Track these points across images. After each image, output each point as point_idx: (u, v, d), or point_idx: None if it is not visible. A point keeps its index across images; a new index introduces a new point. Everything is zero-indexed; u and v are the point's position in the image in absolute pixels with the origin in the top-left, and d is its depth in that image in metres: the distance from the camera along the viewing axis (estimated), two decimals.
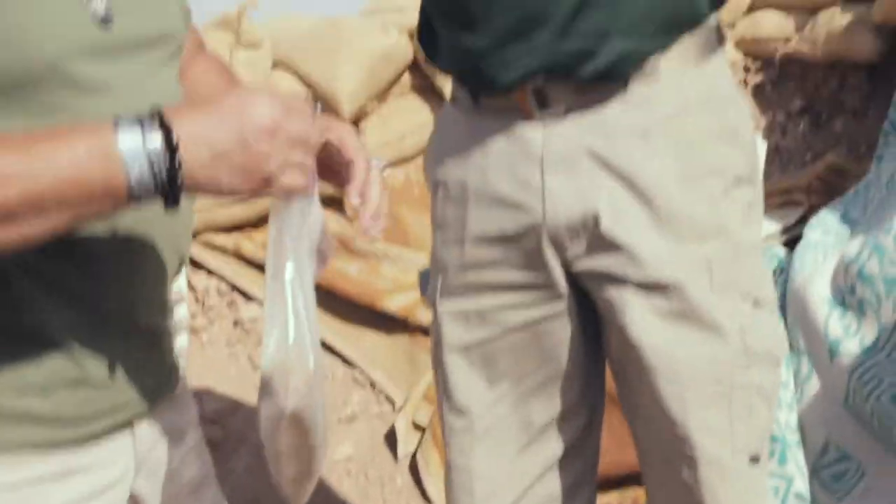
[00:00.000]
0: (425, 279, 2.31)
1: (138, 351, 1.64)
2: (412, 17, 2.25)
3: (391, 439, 3.86)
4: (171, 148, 1.34)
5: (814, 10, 4.52)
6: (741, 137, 2.09)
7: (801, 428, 3.11)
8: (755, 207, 2.14)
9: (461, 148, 2.14)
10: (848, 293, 3.11)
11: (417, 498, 3.71)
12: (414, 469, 3.75)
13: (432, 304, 2.27)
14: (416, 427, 3.82)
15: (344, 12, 3.47)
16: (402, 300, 4.01)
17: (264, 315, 1.54)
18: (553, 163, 2.02)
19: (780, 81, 4.76)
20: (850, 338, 3.05)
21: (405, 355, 4.05)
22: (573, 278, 2.10)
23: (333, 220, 4.27)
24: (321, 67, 4.23)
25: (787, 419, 3.10)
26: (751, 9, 4.82)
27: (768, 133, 4.65)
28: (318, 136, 1.50)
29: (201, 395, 3.86)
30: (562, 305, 2.13)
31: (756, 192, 2.14)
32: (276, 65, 4.26)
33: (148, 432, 1.69)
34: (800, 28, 4.57)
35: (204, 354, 3.93)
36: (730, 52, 4.74)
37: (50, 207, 1.34)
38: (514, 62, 1.98)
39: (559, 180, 2.02)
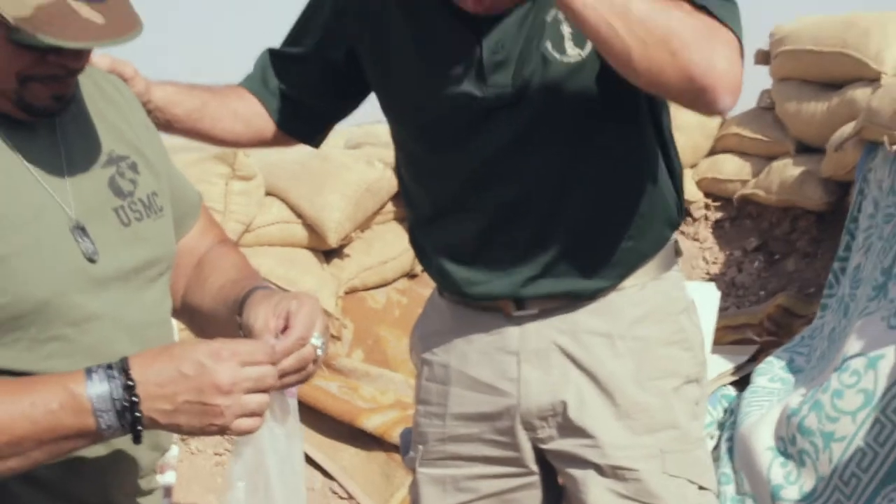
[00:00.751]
0: (406, 441, 2.43)
1: None
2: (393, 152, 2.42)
3: None
4: (133, 399, 1.46)
5: (769, 158, 4.63)
6: (691, 342, 2.27)
7: None
8: (701, 403, 2.30)
9: (446, 334, 2.30)
10: (789, 443, 3.27)
11: None
12: None
13: (412, 468, 2.38)
14: None
15: (330, 144, 3.60)
16: (378, 420, 4.02)
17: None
18: (528, 356, 2.19)
19: (737, 219, 4.84)
20: (791, 485, 3.21)
21: (380, 470, 4.05)
22: (541, 455, 2.24)
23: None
24: (310, 197, 4.22)
25: None
26: (712, 152, 4.92)
27: (725, 267, 4.72)
28: (272, 376, 1.54)
29: (191, 501, 3.84)
30: (530, 479, 2.26)
31: (702, 391, 2.31)
32: (268, 193, 4.26)
33: None
34: (756, 173, 4.67)
35: (192, 463, 3.93)
36: (691, 192, 4.81)
37: (30, 448, 1.46)
38: (493, 293, 2.19)
39: (533, 371, 2.19)
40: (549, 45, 2.05)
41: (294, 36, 2.36)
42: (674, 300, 2.27)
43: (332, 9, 2.27)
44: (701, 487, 2.24)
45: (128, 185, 1.71)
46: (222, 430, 1.50)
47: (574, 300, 2.19)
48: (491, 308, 2.23)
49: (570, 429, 2.20)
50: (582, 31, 1.90)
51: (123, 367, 1.46)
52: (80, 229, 1.62)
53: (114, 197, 1.68)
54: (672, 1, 1.88)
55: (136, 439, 1.47)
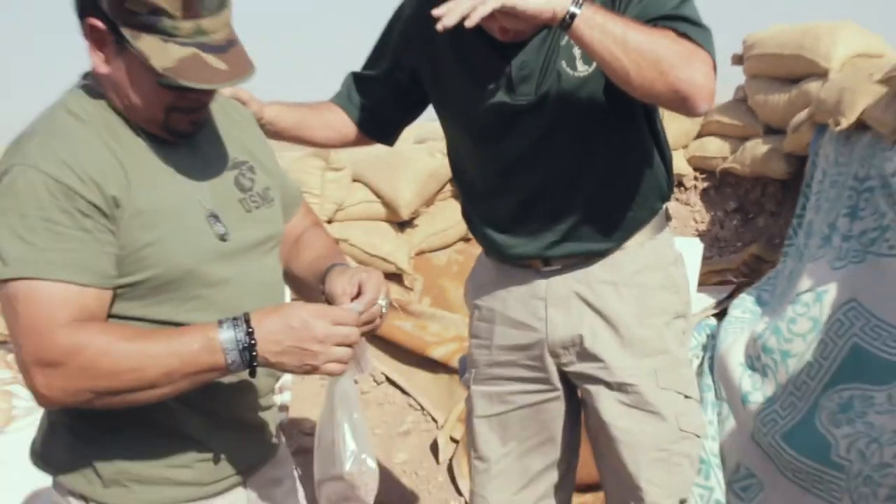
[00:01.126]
0: (463, 366, 2.49)
1: (246, 437, 1.79)
2: None
3: (435, 448, 3.94)
4: (251, 342, 1.54)
5: (743, 139, 4.60)
6: (679, 287, 2.35)
7: (721, 454, 3.26)
8: (686, 333, 2.38)
9: (491, 285, 2.38)
10: (755, 360, 3.30)
11: (452, 492, 3.79)
12: (450, 470, 3.84)
13: (468, 386, 2.49)
14: (453, 440, 3.90)
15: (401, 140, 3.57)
16: (443, 350, 4.04)
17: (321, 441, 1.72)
18: (553, 301, 2.28)
19: (720, 189, 4.80)
20: (756, 392, 3.24)
21: (445, 388, 4.08)
22: (564, 376, 2.34)
23: (395, 290, 4.23)
24: (386, 182, 4.26)
25: (711, 447, 3.24)
26: (699, 135, 4.88)
27: (710, 226, 4.70)
28: (356, 333, 1.61)
29: (301, 414, 3.89)
30: (556, 393, 2.36)
31: (687, 323, 2.38)
32: (355, 179, 4.30)
33: (255, 485, 1.82)
34: (733, 151, 4.64)
35: (303, 385, 3.97)
36: (683, 167, 4.81)
37: (178, 379, 1.53)
38: (525, 253, 2.26)
39: (557, 313, 2.27)
40: (563, 63, 2.08)
41: (370, 61, 2.39)
42: (665, 255, 2.33)
43: (398, 41, 2.32)
44: (686, 397, 2.32)
45: (248, 183, 1.77)
46: (314, 370, 1.58)
47: (588, 258, 2.24)
48: (524, 265, 2.30)
49: (585, 355, 2.28)
50: (590, 57, 1.93)
51: (245, 319, 1.54)
52: (214, 217, 1.67)
53: (238, 192, 1.74)
54: (660, 30, 1.89)
55: (252, 373, 1.57)
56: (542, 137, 2.15)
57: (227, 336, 1.53)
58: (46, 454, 1.74)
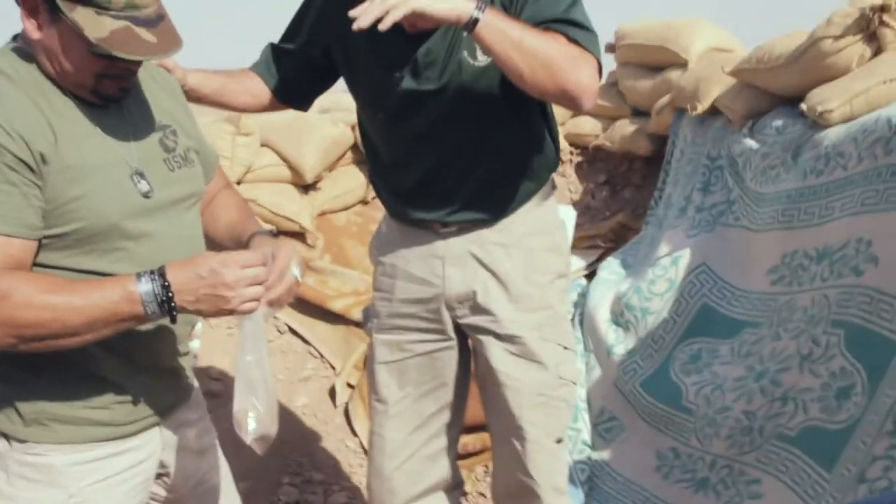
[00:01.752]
0: (366, 316, 2.49)
1: (163, 381, 1.78)
2: (353, 116, 2.42)
3: (332, 393, 3.90)
4: (168, 294, 1.53)
5: (614, 119, 4.64)
6: (562, 249, 2.38)
7: (587, 399, 3.34)
8: (567, 291, 2.40)
9: (394, 243, 2.37)
10: (619, 316, 3.38)
11: (348, 432, 3.77)
12: (346, 413, 3.83)
13: (369, 334, 2.48)
14: (349, 386, 3.88)
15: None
16: (341, 303, 4.03)
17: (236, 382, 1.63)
18: (450, 259, 2.28)
19: (592, 163, 4.83)
20: (619, 344, 3.33)
21: (343, 338, 4.05)
22: (458, 327, 2.35)
23: (299, 248, 4.18)
24: (292, 148, 4.22)
25: (579, 393, 3.29)
26: (574, 115, 4.88)
27: (583, 196, 4.72)
28: (266, 273, 1.57)
29: (210, 361, 3.82)
30: (449, 343, 2.37)
31: (567, 282, 2.40)
32: (263, 144, 4.24)
33: (170, 426, 1.82)
34: (605, 129, 4.69)
35: (212, 334, 3.91)
36: (561, 143, 4.64)
37: (99, 327, 1.52)
38: (426, 219, 2.25)
39: (453, 270, 2.28)
40: (465, 53, 2.07)
41: (287, 34, 2.35)
42: (550, 221, 2.35)
43: (315, 19, 2.28)
44: (565, 348, 2.36)
45: (172, 144, 1.75)
46: (231, 313, 1.56)
47: (482, 223, 2.24)
48: (425, 227, 2.29)
49: (478, 309, 2.29)
50: (489, 56, 1.94)
51: (161, 272, 1.52)
52: (139, 174, 1.65)
53: (163, 152, 1.73)
54: (552, 34, 1.90)
55: (173, 320, 1.54)
56: (443, 119, 2.14)
57: (146, 289, 1.51)
58: None
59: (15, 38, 1.63)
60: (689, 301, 3.17)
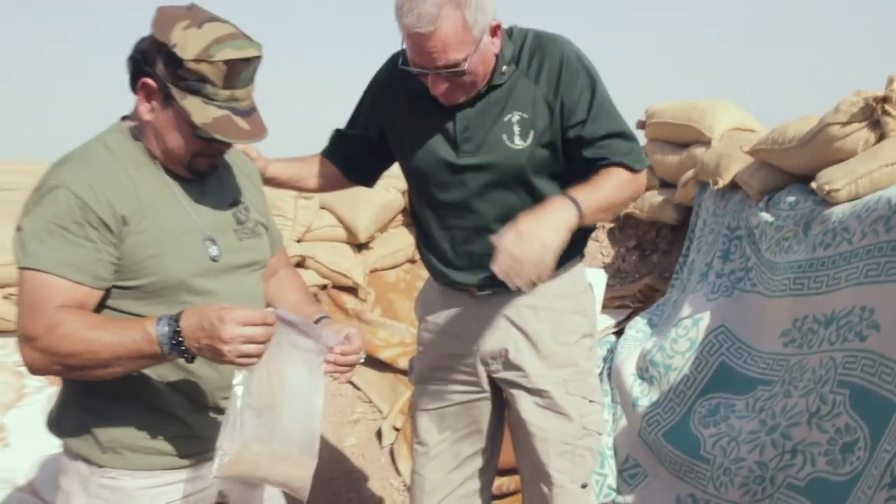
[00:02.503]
0: (411, 366, 2.55)
1: (219, 418, 1.76)
2: (404, 182, 2.48)
3: (379, 435, 3.94)
4: (179, 338, 1.57)
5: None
6: (587, 311, 2.41)
7: (614, 447, 3.36)
8: (593, 349, 2.43)
9: (436, 304, 2.43)
10: (644, 371, 3.41)
11: (393, 472, 3.80)
12: (392, 454, 3.86)
13: (414, 383, 2.55)
14: (395, 429, 3.92)
15: None
16: (389, 353, 4.08)
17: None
18: (484, 320, 2.33)
19: (623, 229, 4.81)
20: (644, 397, 3.35)
21: (390, 385, 4.10)
22: (492, 380, 2.39)
23: (351, 301, 4.23)
24: (348, 211, 4.28)
25: (606, 442, 3.33)
26: None
27: (614, 259, 4.70)
28: (263, 331, 1.58)
29: None
30: (484, 394, 2.42)
31: (594, 341, 2.43)
32: (322, 207, 4.27)
33: None
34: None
35: None
36: None
37: (125, 362, 1.60)
38: (462, 280, 2.31)
39: (488, 330, 2.34)
40: (504, 136, 2.15)
41: (350, 122, 2.44)
42: (577, 285, 2.39)
43: (370, 105, 2.37)
44: (591, 401, 2.38)
45: (243, 217, 1.86)
46: (229, 362, 1.59)
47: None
48: (463, 289, 2.33)
49: (509, 365, 2.34)
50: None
51: (176, 318, 1.58)
52: (211, 240, 1.76)
53: (234, 223, 1.83)
54: (615, 175, 2.13)
55: (189, 361, 1.61)
56: (480, 190, 2.21)
57: (162, 331, 1.58)
58: (59, 424, 1.82)
59: (125, 118, 1.79)
60: (708, 359, 3.22)
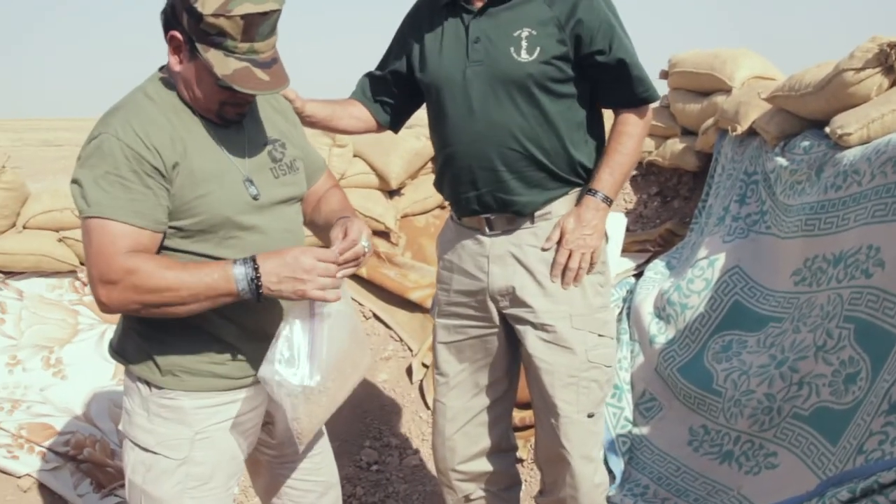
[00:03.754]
0: (434, 303, 2.62)
1: (268, 346, 1.83)
2: None
3: (409, 371, 4.01)
4: (258, 283, 1.70)
5: (665, 137, 4.62)
6: None
7: (631, 381, 3.44)
8: (605, 286, 2.44)
9: (452, 242, 2.50)
10: (661, 310, 3.48)
11: (422, 405, 3.88)
12: (421, 389, 3.94)
13: (434, 318, 2.61)
14: (424, 365, 3.96)
15: None
16: (419, 294, 4.13)
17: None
18: (493, 258, 2.39)
19: (645, 176, 4.80)
20: (660, 335, 3.43)
21: (420, 324, 4.15)
22: (502, 316, 2.44)
23: (383, 245, 4.24)
24: (380, 158, 4.29)
25: (623, 377, 3.43)
26: None
27: (636, 205, 4.70)
28: (336, 268, 1.73)
29: None
30: (495, 329, 2.47)
31: (604, 278, 2.44)
32: (355, 155, 4.29)
33: None
34: (657, 147, 4.66)
35: None
36: None
37: (202, 299, 1.69)
38: (473, 204, 2.37)
39: (496, 267, 2.39)
40: (511, 49, 2.23)
41: (380, 64, 2.52)
42: None
43: (399, 43, 2.46)
44: (600, 335, 2.39)
45: (279, 155, 1.92)
46: (305, 295, 1.71)
47: (519, 220, 2.34)
48: (474, 227, 2.39)
49: (517, 301, 2.38)
50: None
51: (253, 258, 1.70)
52: (249, 181, 1.83)
53: (270, 162, 1.90)
54: (626, 136, 2.33)
55: (258, 299, 1.72)
56: (487, 98, 2.26)
57: (239, 270, 1.70)
58: (121, 350, 1.93)
59: (162, 68, 1.87)
60: (722, 298, 3.27)
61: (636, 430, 3.32)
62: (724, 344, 3.17)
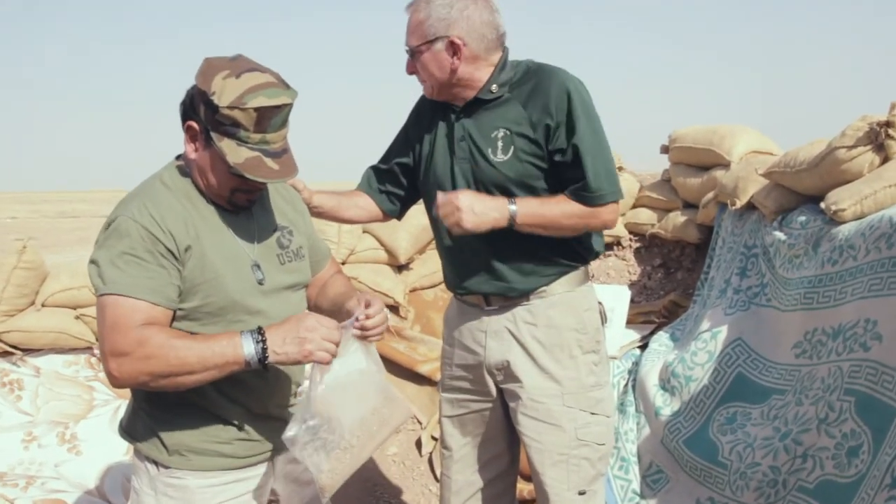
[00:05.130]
0: (441, 378, 2.62)
1: (274, 426, 1.90)
2: None
3: (419, 444, 4.01)
4: (263, 347, 1.70)
5: (668, 210, 4.67)
6: (589, 328, 2.40)
7: (638, 454, 3.42)
8: (600, 364, 2.42)
9: (454, 319, 2.53)
10: (666, 382, 3.47)
11: (431, 479, 3.85)
12: (430, 462, 3.92)
13: (440, 392, 2.62)
14: (433, 438, 3.95)
15: None
16: (428, 367, 4.10)
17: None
18: (490, 333, 2.41)
19: (648, 248, 4.85)
20: (666, 407, 3.40)
21: (429, 397, 4.13)
22: (500, 391, 2.45)
23: (393, 319, 4.26)
24: (389, 234, 4.34)
25: (630, 449, 3.41)
26: (633, 206, 4.91)
27: (640, 277, 4.74)
28: (338, 335, 1.75)
29: None
30: (493, 403, 2.48)
31: (599, 357, 2.41)
32: (364, 232, 4.36)
33: (280, 461, 1.96)
34: (659, 219, 4.70)
35: None
36: (621, 231, 4.85)
37: (210, 367, 1.70)
38: (473, 288, 2.40)
39: (493, 342, 2.40)
40: (489, 150, 2.26)
41: (383, 157, 2.57)
42: (579, 303, 2.40)
43: (402, 140, 2.51)
44: (593, 413, 2.36)
45: (286, 242, 1.96)
46: (310, 355, 1.72)
47: (515, 301, 2.36)
48: (473, 304, 2.42)
49: (510, 377, 2.39)
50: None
51: (259, 328, 1.73)
52: (257, 266, 1.87)
53: (278, 248, 1.94)
54: (566, 203, 2.21)
55: (264, 366, 1.73)
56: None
57: (246, 337, 1.72)
58: (130, 429, 1.94)
59: (178, 157, 1.93)
60: (725, 370, 3.27)
61: (644, 503, 3.29)
62: (729, 416, 3.15)
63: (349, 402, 1.82)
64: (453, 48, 2.25)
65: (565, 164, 2.24)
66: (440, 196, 2.21)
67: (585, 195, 2.22)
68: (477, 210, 2.17)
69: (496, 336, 2.40)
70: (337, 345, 1.76)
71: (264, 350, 1.71)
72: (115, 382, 1.72)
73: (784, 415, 2.90)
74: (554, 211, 2.22)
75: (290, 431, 1.78)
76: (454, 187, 2.31)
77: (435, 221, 2.45)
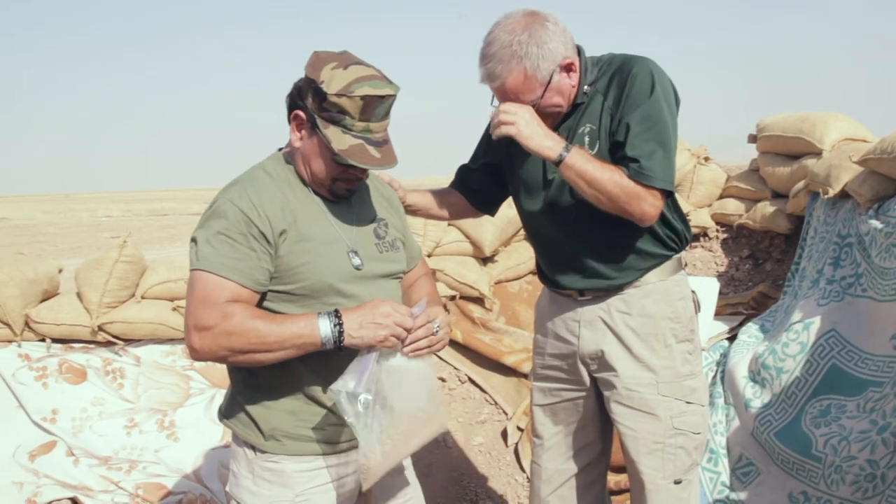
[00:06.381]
0: (532, 368, 2.62)
1: None
2: None
3: (504, 435, 4.00)
4: (340, 329, 1.73)
5: (756, 200, 4.58)
6: (682, 317, 2.38)
7: (727, 446, 3.36)
8: (693, 353, 2.39)
9: (546, 309, 2.52)
10: (756, 374, 3.40)
11: (517, 469, 3.87)
12: (516, 452, 3.93)
13: (532, 382, 2.63)
14: (518, 429, 3.98)
15: None
16: (514, 358, 4.13)
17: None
18: (584, 323, 2.40)
19: (736, 239, 4.76)
20: (756, 399, 3.34)
21: (514, 388, 4.14)
22: (593, 380, 2.44)
23: (478, 311, 4.26)
24: (474, 227, 4.32)
25: (719, 441, 3.35)
26: (721, 197, 4.82)
27: (728, 268, 4.64)
28: (411, 322, 1.76)
29: None
30: (586, 392, 2.48)
31: (692, 346, 2.39)
32: (449, 224, 4.30)
33: None
34: (747, 210, 4.62)
35: None
36: (707, 221, 4.75)
37: (287, 347, 1.73)
38: (568, 286, 2.39)
39: (587, 332, 2.40)
40: (577, 145, 2.20)
41: (472, 158, 2.59)
42: (673, 293, 2.37)
43: (487, 142, 2.53)
44: (688, 402, 2.35)
45: (382, 233, 1.99)
46: (384, 340, 1.73)
47: (609, 292, 2.34)
48: (567, 295, 2.41)
49: (605, 366, 2.38)
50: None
51: (336, 311, 1.75)
52: (354, 252, 1.89)
53: (375, 238, 1.97)
54: (619, 171, 2.11)
55: (339, 348, 1.75)
56: (561, 201, 2.30)
57: (323, 319, 1.75)
58: (229, 415, 1.99)
59: (280, 148, 1.98)
60: (819, 362, 3.18)
61: (733, 496, 3.23)
62: (823, 408, 3.07)
63: (404, 392, 1.81)
64: (568, 69, 2.24)
65: (623, 144, 2.20)
66: (505, 105, 2.18)
67: (636, 168, 2.14)
68: (531, 127, 2.14)
69: (590, 325, 2.39)
70: (409, 332, 1.78)
71: (340, 333, 1.73)
72: (195, 356, 1.76)
73: (882, 407, 2.81)
74: (603, 173, 2.13)
75: (348, 385, 1.74)
76: (545, 182, 2.32)
77: (525, 216, 2.47)
